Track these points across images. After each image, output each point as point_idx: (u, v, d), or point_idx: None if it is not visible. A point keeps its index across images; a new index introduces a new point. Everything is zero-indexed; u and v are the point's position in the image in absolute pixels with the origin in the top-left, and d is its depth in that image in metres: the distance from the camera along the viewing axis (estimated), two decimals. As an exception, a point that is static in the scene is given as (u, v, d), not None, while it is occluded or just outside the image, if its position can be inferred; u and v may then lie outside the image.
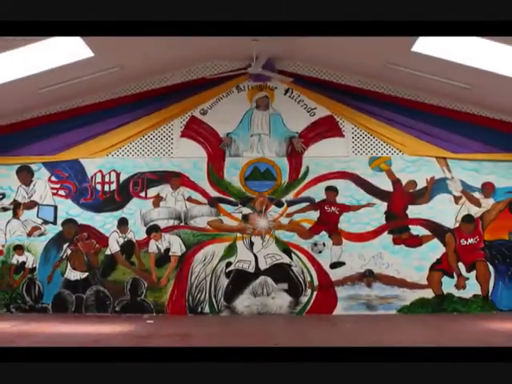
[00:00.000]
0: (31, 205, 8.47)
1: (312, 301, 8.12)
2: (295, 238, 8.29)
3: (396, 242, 8.24)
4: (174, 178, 8.43)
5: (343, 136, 8.49)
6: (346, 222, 8.29)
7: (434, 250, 8.21)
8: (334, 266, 8.21)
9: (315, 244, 8.26)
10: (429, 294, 8.10)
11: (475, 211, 8.30)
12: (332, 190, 8.36)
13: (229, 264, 8.23)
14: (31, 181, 8.51)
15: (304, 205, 8.35)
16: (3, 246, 8.38)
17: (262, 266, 8.20)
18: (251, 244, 8.27)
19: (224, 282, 8.19)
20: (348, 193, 8.35)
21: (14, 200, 8.47)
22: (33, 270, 8.29)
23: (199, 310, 8.13)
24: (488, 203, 8.31)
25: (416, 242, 8.24)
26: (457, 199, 8.33)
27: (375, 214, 8.30)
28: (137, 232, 8.34)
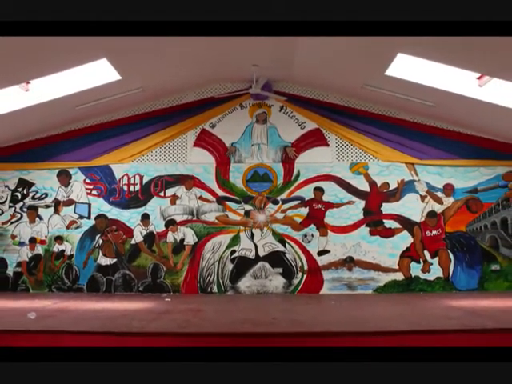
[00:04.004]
0: (69, 203, 8.48)
1: (302, 282, 8.13)
2: (289, 230, 8.29)
3: (372, 233, 8.25)
4: (188, 180, 8.44)
5: (328, 145, 8.50)
6: (331, 217, 8.30)
7: (404, 240, 8.22)
8: (321, 253, 8.22)
9: (305, 235, 8.27)
10: (399, 276, 8.11)
11: (438, 208, 8.31)
12: (319, 190, 8.37)
13: (233, 252, 8.24)
14: (69, 183, 8.51)
15: (296, 202, 8.36)
16: (46, 236, 8.40)
17: (261, 253, 8.21)
18: (252, 235, 8.28)
19: (229, 266, 8.20)
20: (332, 192, 8.36)
21: (55, 199, 8.48)
22: (70, 256, 8.31)
23: (209, 289, 8.14)
24: (449, 201, 8.32)
25: (389, 233, 8.25)
26: (423, 198, 8.34)
27: (355, 210, 8.30)
28: (157, 225, 8.35)
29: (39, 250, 8.37)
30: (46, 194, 8.50)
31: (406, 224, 8.26)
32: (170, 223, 8.34)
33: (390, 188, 8.37)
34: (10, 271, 8.31)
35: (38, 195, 8.49)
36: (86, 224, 8.39)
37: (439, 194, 8.33)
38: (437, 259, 8.16)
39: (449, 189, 8.32)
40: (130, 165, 8.51)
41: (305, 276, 8.15)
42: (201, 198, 8.40)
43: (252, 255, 8.21)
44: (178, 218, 8.35)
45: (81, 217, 8.42)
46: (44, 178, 8.52)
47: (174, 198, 8.41)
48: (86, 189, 8.49)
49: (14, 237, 8.40)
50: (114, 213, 8.39)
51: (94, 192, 8.49)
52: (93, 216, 8.40)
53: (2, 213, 8.47)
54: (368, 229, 8.26)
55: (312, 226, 8.29)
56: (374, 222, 8.28)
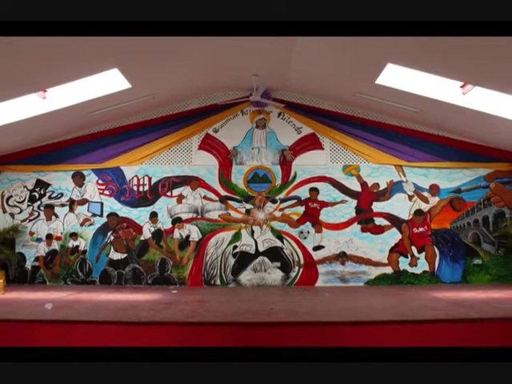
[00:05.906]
0: (83, 202, 8.50)
1: (299, 275, 8.16)
2: (286, 227, 8.32)
3: (363, 230, 8.28)
4: (193, 181, 8.46)
5: (323, 149, 8.52)
6: (325, 215, 8.32)
7: (393, 236, 8.25)
8: (316, 248, 8.25)
9: (301, 232, 8.30)
10: (389, 270, 8.14)
11: (424, 207, 8.33)
12: (314, 190, 8.39)
13: (235, 247, 8.26)
14: (83, 183, 8.54)
15: (293, 202, 8.38)
16: (62, 233, 8.43)
17: (261, 248, 8.24)
18: (252, 232, 8.30)
19: (231, 261, 8.22)
20: (326, 192, 8.38)
21: (70, 198, 8.51)
22: (84, 251, 8.34)
23: (212, 282, 8.17)
24: (434, 200, 8.34)
25: (379, 230, 8.27)
26: (410, 197, 8.36)
27: (347, 209, 8.33)
28: (164, 223, 8.37)
29: (55, 245, 8.40)
30: (62, 194, 8.52)
31: (395, 221, 8.28)
32: (177, 221, 8.36)
33: (380, 188, 8.39)
34: (28, 265, 8.34)
35: (54, 195, 8.52)
36: (99, 221, 8.42)
37: (425, 193, 8.35)
38: (423, 254, 8.19)
39: (434, 189, 8.35)
40: (140, 167, 8.53)
41: (301, 270, 8.17)
42: (205, 197, 8.42)
43: (252, 250, 8.23)
44: (184, 216, 8.37)
45: (94, 215, 8.45)
46: (60, 179, 8.54)
47: (180, 198, 8.43)
48: (99, 189, 8.51)
49: (32, 233, 8.43)
50: (124, 211, 8.41)
51: (106, 192, 8.51)
52: (105, 214, 8.42)
53: (21, 211, 8.50)
54: (360, 226, 8.28)
55: (308, 223, 8.32)
56: (365, 219, 8.30)
